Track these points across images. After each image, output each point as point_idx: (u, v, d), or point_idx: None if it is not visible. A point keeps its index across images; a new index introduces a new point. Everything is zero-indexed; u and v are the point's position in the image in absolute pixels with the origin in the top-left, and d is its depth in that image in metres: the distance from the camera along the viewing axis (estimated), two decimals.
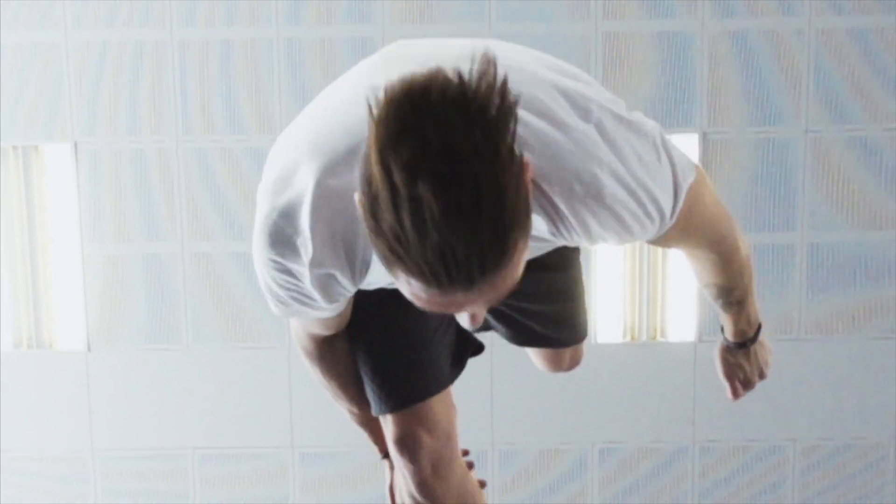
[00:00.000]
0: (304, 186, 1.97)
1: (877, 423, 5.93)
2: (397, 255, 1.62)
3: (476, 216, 1.57)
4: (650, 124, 2.12)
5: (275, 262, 2.05)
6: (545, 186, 1.96)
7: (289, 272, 2.05)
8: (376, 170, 1.60)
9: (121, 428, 5.98)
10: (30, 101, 5.70)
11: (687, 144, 5.69)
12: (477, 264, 1.60)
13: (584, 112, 2.00)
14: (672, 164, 2.11)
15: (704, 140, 5.69)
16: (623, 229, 2.04)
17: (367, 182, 1.62)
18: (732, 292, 2.57)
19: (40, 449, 5.98)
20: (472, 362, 2.82)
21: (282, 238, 2.02)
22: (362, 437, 5.79)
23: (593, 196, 1.99)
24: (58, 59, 5.68)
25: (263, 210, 2.08)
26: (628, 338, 5.91)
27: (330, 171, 1.93)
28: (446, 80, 1.63)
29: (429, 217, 1.56)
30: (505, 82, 1.66)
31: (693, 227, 2.24)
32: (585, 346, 3.00)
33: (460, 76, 1.64)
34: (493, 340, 2.96)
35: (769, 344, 2.80)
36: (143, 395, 5.96)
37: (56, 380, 5.93)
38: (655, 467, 5.98)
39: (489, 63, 1.67)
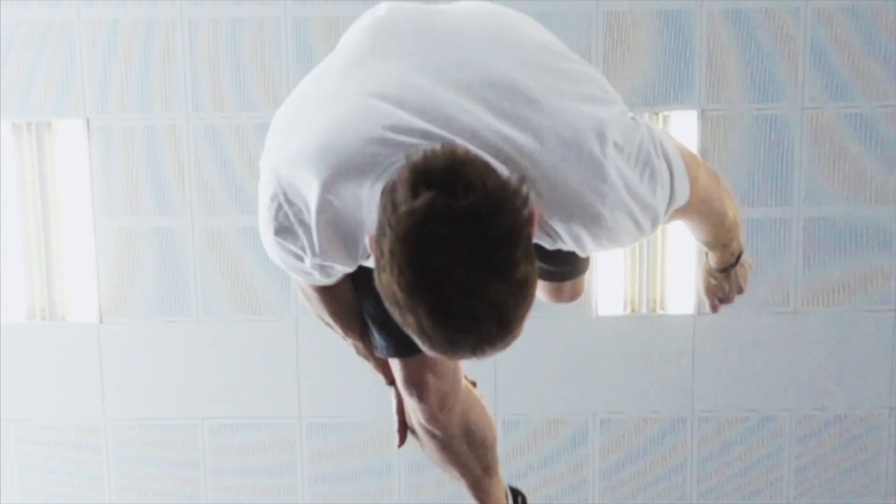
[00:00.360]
0: (310, 194, 2.04)
1: (871, 394, 5.95)
2: (412, 331, 1.82)
3: (484, 333, 1.79)
4: (645, 132, 2.16)
5: (278, 243, 2.12)
6: (546, 216, 2.03)
7: (291, 253, 2.12)
8: (397, 283, 1.77)
9: (132, 398, 6.01)
10: (43, 79, 5.72)
11: (686, 121, 5.74)
12: (486, 349, 1.82)
13: (596, 140, 2.04)
14: (671, 170, 2.17)
15: (703, 117, 5.70)
16: (616, 244, 2.13)
17: (389, 294, 1.79)
18: (718, 243, 2.67)
19: (54, 418, 6.02)
20: None
21: (287, 230, 2.09)
22: (368, 406, 5.68)
23: (594, 222, 2.07)
24: (70, 37, 5.69)
25: (269, 198, 2.14)
26: (629, 310, 5.92)
27: (334, 184, 2.00)
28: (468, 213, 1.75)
29: (444, 320, 1.76)
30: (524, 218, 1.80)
31: (686, 212, 2.32)
32: (587, 279, 3.03)
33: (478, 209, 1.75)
34: None
35: (749, 261, 2.88)
36: (153, 366, 5.98)
37: (69, 351, 5.96)
38: (655, 436, 6.00)
39: (513, 191, 1.80)
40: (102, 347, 5.95)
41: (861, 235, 5.78)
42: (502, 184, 1.82)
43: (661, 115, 5.77)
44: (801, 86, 5.70)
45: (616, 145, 2.02)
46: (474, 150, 1.91)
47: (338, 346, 5.81)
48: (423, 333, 1.81)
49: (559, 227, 2.06)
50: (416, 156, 1.83)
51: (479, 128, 1.97)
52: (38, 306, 5.93)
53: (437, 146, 1.88)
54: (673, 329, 5.94)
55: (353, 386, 5.92)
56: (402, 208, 1.77)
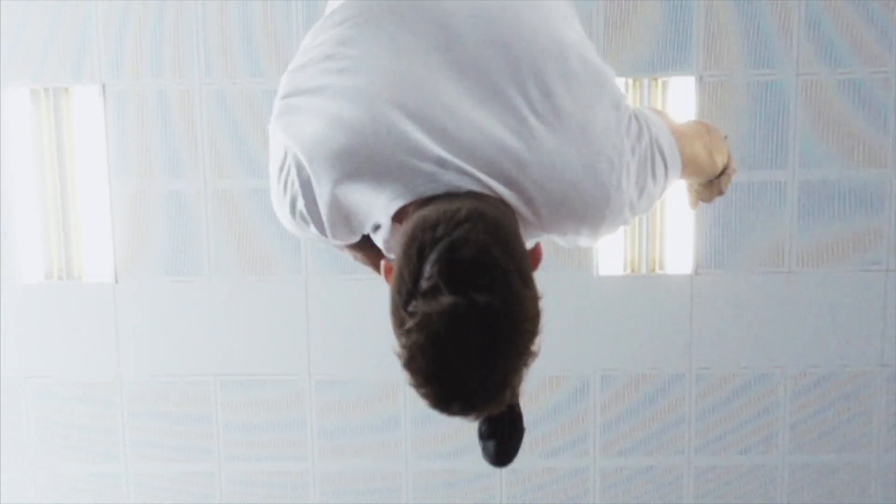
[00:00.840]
0: (321, 186, 2.10)
1: (863, 351, 5.99)
2: (412, 385, 1.92)
3: (480, 411, 1.95)
4: (646, 137, 2.20)
5: (287, 214, 2.19)
6: (546, 220, 2.11)
7: (301, 220, 2.18)
8: (412, 362, 1.88)
9: (146, 355, 6.06)
10: (60, 46, 5.73)
11: (684, 87, 5.75)
12: (477, 414, 1.95)
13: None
14: (665, 166, 2.23)
15: (701, 83, 5.72)
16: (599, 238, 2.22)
17: (403, 359, 1.90)
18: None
19: (70, 375, 6.06)
20: None
21: (296, 208, 2.16)
22: (375, 363, 5.79)
23: (591, 228, 2.17)
24: (86, 6, 5.68)
25: (279, 168, 2.18)
26: (628, 270, 5.95)
27: (347, 185, 2.06)
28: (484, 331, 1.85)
29: (444, 406, 1.91)
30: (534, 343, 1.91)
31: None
32: None
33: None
34: None
35: (734, 166, 2.83)
36: (167, 325, 6.02)
37: (85, 310, 5.99)
38: (653, 392, 6.05)
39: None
40: (117, 306, 5.98)
41: (854, 198, 5.80)
42: (521, 278, 1.91)
43: (660, 81, 5.74)
44: (795, 52, 5.71)
45: (626, 166, 2.11)
46: (489, 185, 1.99)
47: (346, 306, 5.84)
48: (421, 395, 1.94)
49: (554, 232, 2.16)
50: (445, 241, 1.89)
51: (495, 158, 2.01)
52: (55, 267, 5.96)
53: (462, 212, 1.92)
54: (671, 288, 5.97)
55: (361, 343, 6.02)
56: (427, 307, 1.85)
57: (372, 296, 5.78)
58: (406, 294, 1.89)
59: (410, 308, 1.87)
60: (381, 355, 5.50)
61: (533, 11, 2.17)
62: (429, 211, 1.96)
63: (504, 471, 6.06)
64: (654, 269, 5.97)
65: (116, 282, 5.97)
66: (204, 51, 5.72)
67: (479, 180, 1.99)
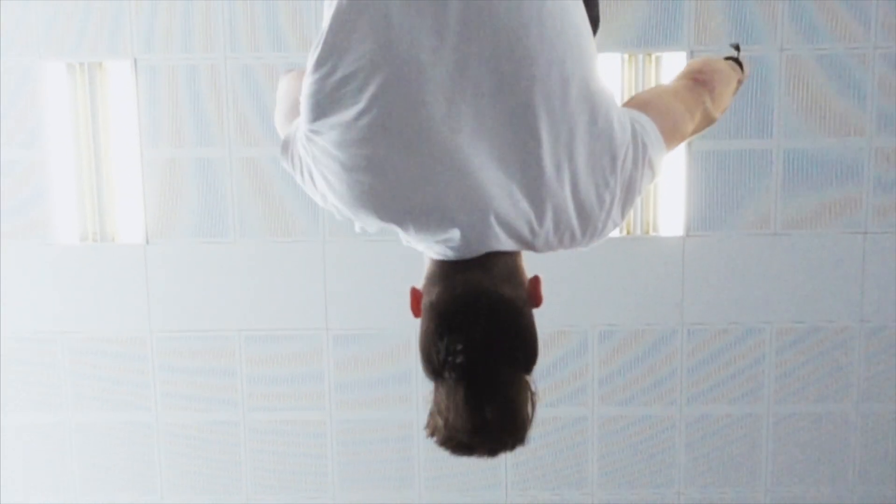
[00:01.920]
0: (357, 221, 2.26)
1: (843, 308, 6.04)
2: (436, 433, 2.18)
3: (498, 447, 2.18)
4: (632, 145, 2.25)
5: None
6: (544, 251, 2.25)
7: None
8: (442, 432, 2.16)
9: (175, 312, 6.10)
10: (95, 23, 5.77)
11: (676, 61, 5.73)
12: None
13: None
14: (653, 170, 2.29)
15: (692, 57, 5.67)
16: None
17: (440, 432, 2.17)
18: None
19: (105, 330, 6.10)
20: None
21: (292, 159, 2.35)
22: (388, 319, 5.85)
23: (584, 246, 2.29)
24: None
25: (298, 173, 2.33)
26: (624, 233, 6.00)
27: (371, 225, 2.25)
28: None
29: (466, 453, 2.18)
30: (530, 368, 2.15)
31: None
32: None
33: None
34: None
35: (747, 72, 2.78)
36: (194, 283, 6.08)
37: (118, 270, 6.04)
38: (649, 347, 6.10)
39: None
40: (148, 266, 6.03)
41: (834, 166, 5.84)
42: (520, 388, 2.14)
43: (653, 56, 5.75)
44: (779, 29, 5.76)
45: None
46: (508, 244, 2.15)
47: (361, 266, 5.92)
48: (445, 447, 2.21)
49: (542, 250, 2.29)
50: (463, 355, 2.09)
51: (515, 224, 2.15)
52: (90, 229, 6.00)
53: (480, 318, 2.11)
54: (664, 249, 6.01)
55: (375, 301, 6.04)
56: (451, 422, 2.14)
57: (385, 257, 5.89)
58: (431, 368, 2.17)
59: (437, 379, 2.17)
60: (393, 313, 5.84)
61: (574, 59, 2.17)
62: (452, 294, 2.17)
63: None
64: (648, 232, 6.00)
65: (147, 243, 6.00)
66: (230, 27, 5.75)
67: (500, 241, 2.16)
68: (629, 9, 5.78)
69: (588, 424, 6.20)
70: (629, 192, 2.26)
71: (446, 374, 2.12)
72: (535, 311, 2.26)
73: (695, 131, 2.51)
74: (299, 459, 6.28)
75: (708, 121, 2.53)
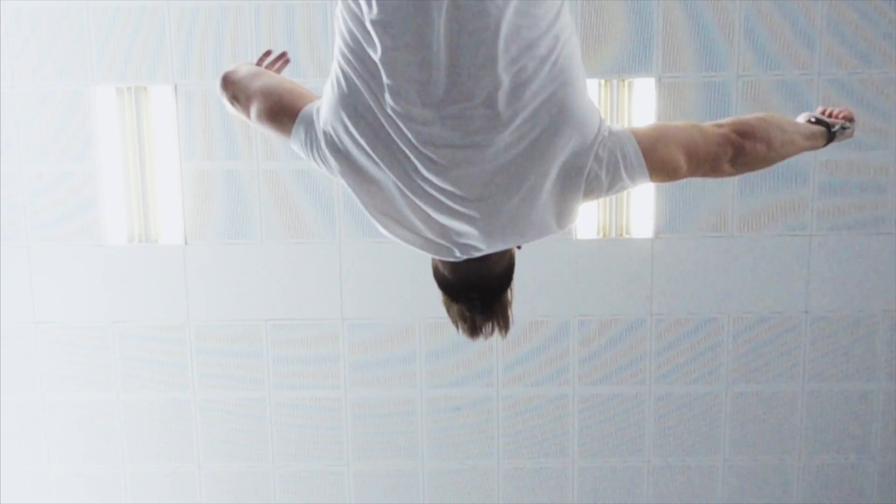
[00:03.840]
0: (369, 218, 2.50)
1: (790, 300, 6.18)
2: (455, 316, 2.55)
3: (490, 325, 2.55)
4: (612, 147, 2.42)
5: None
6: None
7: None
8: (450, 309, 2.55)
9: (210, 303, 6.19)
10: (139, 52, 5.93)
11: (646, 87, 5.93)
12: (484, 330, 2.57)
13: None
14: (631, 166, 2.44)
15: (660, 83, 5.92)
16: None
17: (451, 313, 2.55)
18: (779, 153, 2.61)
19: (149, 320, 6.23)
20: None
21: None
22: (396, 309, 5.91)
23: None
24: (162, 20, 5.91)
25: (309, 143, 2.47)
26: (601, 235, 6.10)
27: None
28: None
29: (472, 319, 2.55)
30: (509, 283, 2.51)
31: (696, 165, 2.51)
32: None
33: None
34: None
35: (852, 121, 2.77)
36: (227, 279, 6.16)
37: (160, 267, 6.15)
38: (620, 333, 6.25)
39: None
40: (187, 264, 6.14)
41: (784, 174, 5.96)
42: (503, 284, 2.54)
43: (626, 82, 5.90)
44: (737, 58, 5.89)
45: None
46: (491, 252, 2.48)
47: (372, 263, 6.04)
48: (459, 324, 2.54)
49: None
50: (469, 320, 2.52)
51: (501, 241, 2.47)
52: (136, 232, 6.10)
53: (475, 292, 2.50)
54: (635, 249, 6.13)
55: (384, 293, 6.18)
56: (454, 309, 2.53)
57: (394, 256, 6.00)
58: (448, 302, 2.56)
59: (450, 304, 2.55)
60: (401, 303, 6.03)
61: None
62: (454, 281, 2.55)
63: (499, 396, 6.18)
64: (621, 234, 6.10)
65: (186, 244, 6.11)
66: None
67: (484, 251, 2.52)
68: (605, 40, 5.89)
69: (568, 401, 6.30)
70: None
71: (455, 305, 2.54)
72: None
73: (695, 169, 2.52)
74: (318, 431, 6.38)
75: (717, 169, 2.54)
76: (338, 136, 2.37)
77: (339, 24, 2.36)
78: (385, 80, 2.27)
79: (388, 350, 6.34)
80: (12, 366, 6.35)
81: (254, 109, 2.61)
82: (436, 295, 2.57)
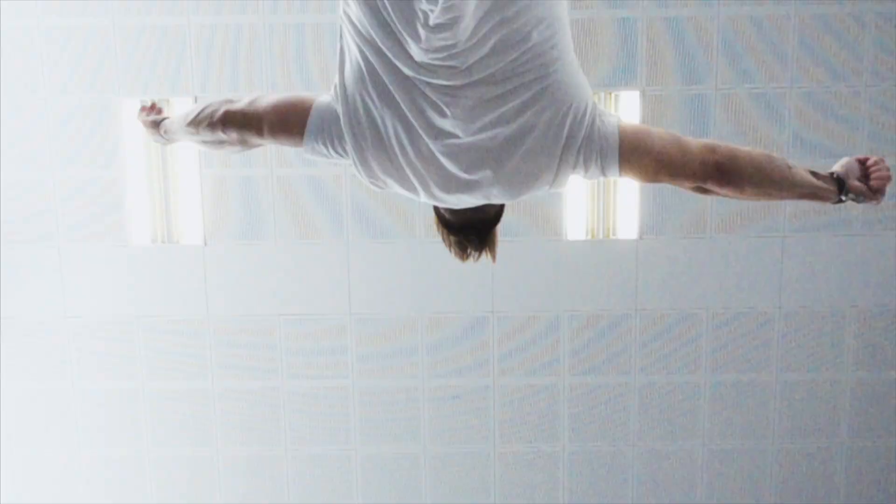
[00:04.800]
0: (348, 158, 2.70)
1: (763, 297, 6.28)
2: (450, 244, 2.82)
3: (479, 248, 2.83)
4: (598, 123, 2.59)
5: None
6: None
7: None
8: (446, 237, 2.83)
9: (228, 300, 6.29)
10: (162, 68, 6.10)
11: (631, 99, 6.04)
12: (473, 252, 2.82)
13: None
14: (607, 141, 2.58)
15: (644, 96, 6.03)
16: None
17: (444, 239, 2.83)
18: (784, 185, 2.55)
19: (171, 314, 6.34)
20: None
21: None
22: (399, 305, 6.02)
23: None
24: (183, 38, 6.06)
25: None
26: (589, 236, 6.20)
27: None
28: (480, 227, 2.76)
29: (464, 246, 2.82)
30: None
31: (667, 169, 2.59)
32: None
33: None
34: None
35: (879, 167, 2.58)
36: (243, 277, 6.26)
37: (181, 266, 6.27)
38: (607, 327, 6.35)
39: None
40: (206, 263, 6.25)
41: None
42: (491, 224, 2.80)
43: (612, 95, 6.02)
44: (716, 72, 6.02)
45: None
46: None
47: (378, 262, 6.19)
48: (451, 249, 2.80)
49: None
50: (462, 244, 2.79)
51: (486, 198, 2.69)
52: (158, 233, 6.22)
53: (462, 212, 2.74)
54: (621, 249, 6.22)
55: (389, 290, 6.25)
56: (452, 239, 2.80)
57: (398, 256, 6.09)
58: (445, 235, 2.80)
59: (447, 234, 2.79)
60: (404, 299, 6.17)
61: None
62: (454, 221, 2.79)
63: (495, 384, 6.28)
64: (608, 235, 6.21)
65: (205, 245, 6.24)
66: (269, 72, 5.99)
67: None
68: (592, 54, 6.02)
69: (559, 390, 6.41)
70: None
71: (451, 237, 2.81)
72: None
73: (662, 179, 2.60)
74: (328, 418, 6.48)
75: (683, 184, 2.60)
76: (363, 102, 2.53)
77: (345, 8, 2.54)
78: (397, 26, 2.44)
79: (392, 343, 6.42)
80: (44, 357, 6.43)
81: (266, 121, 2.71)
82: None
